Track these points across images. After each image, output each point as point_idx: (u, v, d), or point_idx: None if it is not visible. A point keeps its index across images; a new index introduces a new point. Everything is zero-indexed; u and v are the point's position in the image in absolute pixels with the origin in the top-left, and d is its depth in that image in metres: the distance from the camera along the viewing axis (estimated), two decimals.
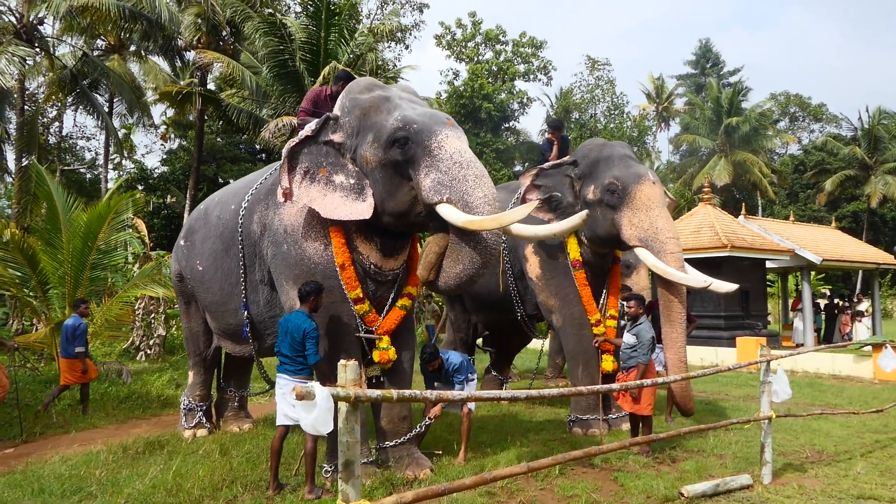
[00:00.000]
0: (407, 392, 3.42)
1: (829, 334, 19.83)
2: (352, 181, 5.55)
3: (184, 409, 7.63)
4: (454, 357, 6.44)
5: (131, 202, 10.77)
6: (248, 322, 6.44)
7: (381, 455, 5.94)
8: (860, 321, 18.52)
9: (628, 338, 6.75)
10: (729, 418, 8.58)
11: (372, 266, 5.81)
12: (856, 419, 8.37)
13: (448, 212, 5.05)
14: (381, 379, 6.07)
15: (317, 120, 5.78)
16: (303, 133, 5.71)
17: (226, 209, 6.78)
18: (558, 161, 7.99)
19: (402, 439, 5.93)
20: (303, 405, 3.08)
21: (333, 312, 5.72)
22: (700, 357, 14.50)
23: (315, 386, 3.08)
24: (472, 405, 6.71)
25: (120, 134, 34.02)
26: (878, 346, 12.16)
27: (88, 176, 33.94)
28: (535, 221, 7.86)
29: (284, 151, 5.63)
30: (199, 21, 18.24)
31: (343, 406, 3.26)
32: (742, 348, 14.04)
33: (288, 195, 5.58)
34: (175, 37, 19.39)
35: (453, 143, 5.25)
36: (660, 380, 5.75)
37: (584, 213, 5.72)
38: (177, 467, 5.81)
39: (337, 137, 5.66)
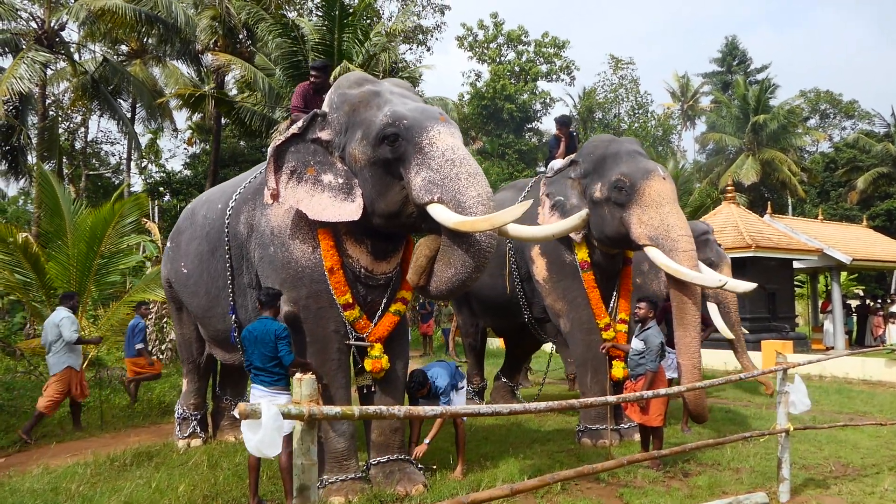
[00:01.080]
0: (371, 409, 3.13)
1: (860, 336, 19.14)
2: (340, 181, 5.28)
3: (178, 418, 7.42)
4: (440, 379, 6.01)
5: (136, 205, 10.59)
6: (236, 327, 6.18)
7: (374, 469, 5.64)
8: (893, 323, 17.82)
9: (636, 343, 6.39)
10: (750, 427, 8.21)
11: (362, 270, 5.53)
12: (886, 428, 7.89)
13: (439, 212, 4.75)
14: (373, 389, 5.78)
15: (305, 116, 5.53)
16: (289, 131, 5.46)
17: (213, 209, 6.53)
18: (559, 165, 7.66)
19: (393, 455, 5.63)
20: (247, 425, 2.80)
21: (322, 319, 5.45)
22: (724, 361, 13.96)
23: (262, 404, 2.80)
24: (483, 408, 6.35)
25: (147, 138, 34.52)
26: None
27: (115, 181, 34.25)
28: None
29: (270, 150, 5.39)
30: (216, 24, 18.12)
31: (298, 425, 2.99)
32: (767, 352, 13.49)
33: (275, 196, 5.33)
34: (193, 40, 19.32)
35: (445, 139, 4.94)
36: (668, 390, 5.37)
37: (584, 212, 5.37)
38: (158, 481, 5.58)
39: (325, 135, 5.39)
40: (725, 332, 9.97)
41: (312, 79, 6.37)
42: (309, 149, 5.39)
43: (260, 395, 5.02)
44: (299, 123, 5.45)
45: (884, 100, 74.09)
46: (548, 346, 10.97)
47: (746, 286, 7.30)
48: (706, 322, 8.99)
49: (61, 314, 7.97)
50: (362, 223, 5.31)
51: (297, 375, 3.08)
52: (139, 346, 9.12)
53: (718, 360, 13.60)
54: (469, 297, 9.50)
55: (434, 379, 5.95)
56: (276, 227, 5.57)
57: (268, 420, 2.76)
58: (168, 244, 7.27)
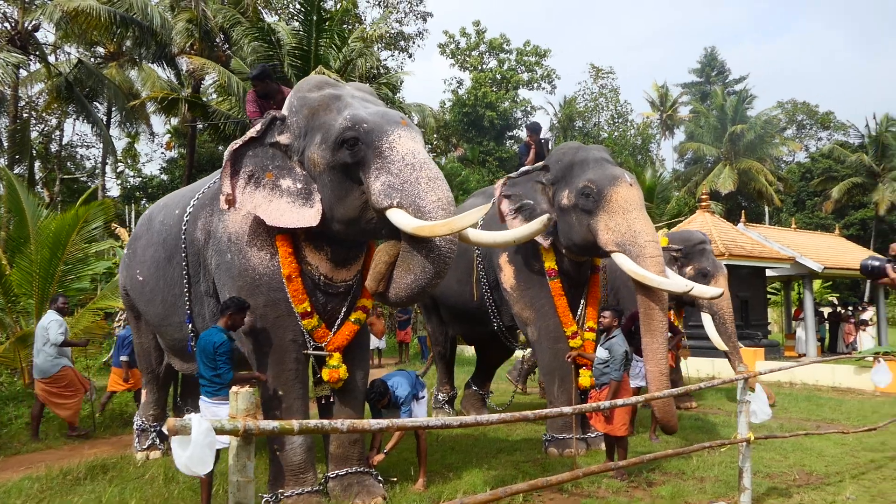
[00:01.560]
0: (312, 423, 3.04)
1: (833, 343, 19.31)
2: (299, 185, 5.17)
3: (136, 429, 7.25)
4: (401, 388, 5.91)
5: (102, 210, 10.39)
6: (192, 336, 6.04)
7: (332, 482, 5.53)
8: (864, 330, 17.98)
9: (600, 352, 6.34)
10: (718, 435, 8.19)
11: (322, 277, 5.43)
12: (851, 436, 7.90)
13: (398, 217, 4.66)
14: (332, 399, 5.68)
15: (262, 120, 5.43)
16: (247, 134, 5.36)
17: (170, 214, 6.38)
18: (527, 168, 7.59)
19: (352, 467, 5.53)
20: (176, 441, 2.70)
21: (279, 328, 5.33)
22: (696, 369, 14.01)
23: (193, 418, 2.70)
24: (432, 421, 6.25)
25: (123, 142, 34.16)
26: (884, 356, 11.65)
27: (91, 185, 33.82)
28: None
29: (227, 154, 5.25)
30: (192, 27, 17.95)
31: (233, 441, 2.88)
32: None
33: (231, 201, 5.22)
34: (169, 43, 19.13)
35: (406, 143, 4.86)
36: (628, 399, 5.33)
37: (546, 216, 5.28)
38: (109, 496, 5.43)
39: (284, 139, 5.28)
40: (719, 344, 9.92)
41: (253, 88, 6.26)
42: (267, 153, 5.28)
43: (204, 406, 4.91)
44: (257, 126, 5.34)
45: (858, 111, 75.17)
46: (519, 354, 10.91)
47: (714, 291, 7.30)
48: (674, 330, 8.99)
49: (49, 317, 8.21)
50: (322, 229, 5.22)
51: (234, 388, 2.97)
52: (123, 357, 8.88)
53: (691, 367, 13.60)
54: (438, 306, 9.43)
55: (394, 388, 5.86)
56: (234, 234, 5.45)
57: (198, 436, 2.65)
58: (125, 251, 7.10)
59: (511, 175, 7.62)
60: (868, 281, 28.49)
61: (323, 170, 5.06)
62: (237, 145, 5.27)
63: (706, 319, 10.04)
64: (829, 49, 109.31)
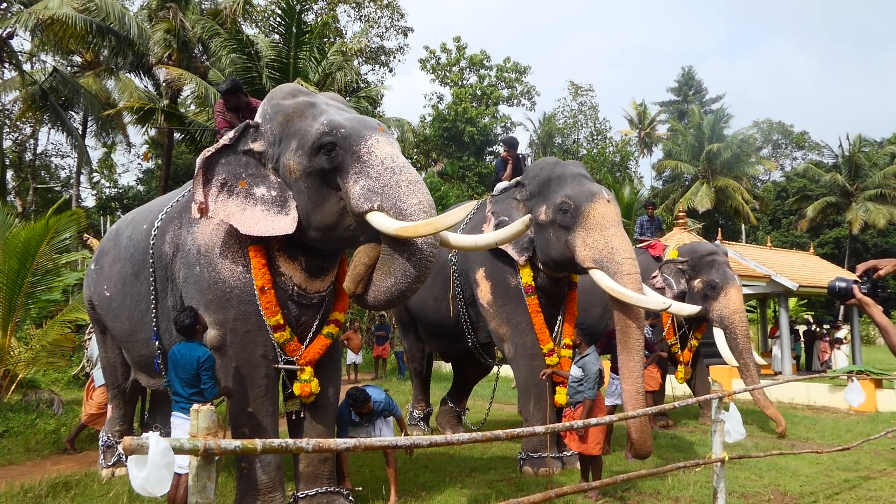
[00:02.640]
0: (276, 442, 2.94)
1: (808, 361, 19.41)
2: (274, 193, 5.07)
3: (102, 445, 7.05)
4: (378, 395, 5.87)
5: (73, 221, 10.19)
6: (159, 354, 5.89)
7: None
8: (839, 348, 18.12)
9: (574, 371, 6.29)
10: (695, 454, 8.17)
11: (295, 288, 5.31)
12: (826, 455, 7.91)
13: (379, 220, 4.58)
14: (302, 415, 5.56)
15: (235, 128, 5.34)
16: (220, 142, 5.26)
17: (137, 229, 6.23)
18: (505, 184, 7.58)
19: (322, 486, 5.41)
20: (133, 461, 2.59)
21: (249, 343, 5.20)
22: (672, 387, 13.99)
23: (151, 437, 2.60)
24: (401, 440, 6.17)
25: (99, 152, 33.74)
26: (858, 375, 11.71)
27: (65, 195, 33.36)
28: (502, 251, 7.47)
29: (199, 161, 5.13)
30: (169, 37, 17.81)
31: (193, 461, 2.78)
32: (713, 378, 13.54)
33: (203, 210, 5.10)
34: (146, 53, 18.96)
35: (384, 148, 4.79)
36: (602, 419, 5.27)
37: (527, 217, 5.24)
38: None
39: (257, 146, 5.19)
40: (731, 360, 9.73)
41: (224, 101, 6.17)
42: (241, 161, 5.19)
43: (178, 424, 4.78)
44: (230, 134, 5.25)
45: (832, 131, 76.58)
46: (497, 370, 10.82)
47: (690, 309, 7.27)
48: (650, 347, 8.97)
49: None
50: (297, 238, 5.12)
51: (195, 406, 2.88)
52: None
53: (666, 385, 13.57)
54: (415, 322, 9.35)
55: (372, 397, 5.81)
56: (204, 246, 5.33)
57: (155, 455, 2.55)
58: (91, 266, 6.92)
59: (494, 193, 7.59)
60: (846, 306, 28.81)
61: (299, 176, 4.97)
62: (209, 153, 5.16)
63: (718, 335, 9.92)
64: (801, 71, 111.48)
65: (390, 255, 4.64)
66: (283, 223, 4.98)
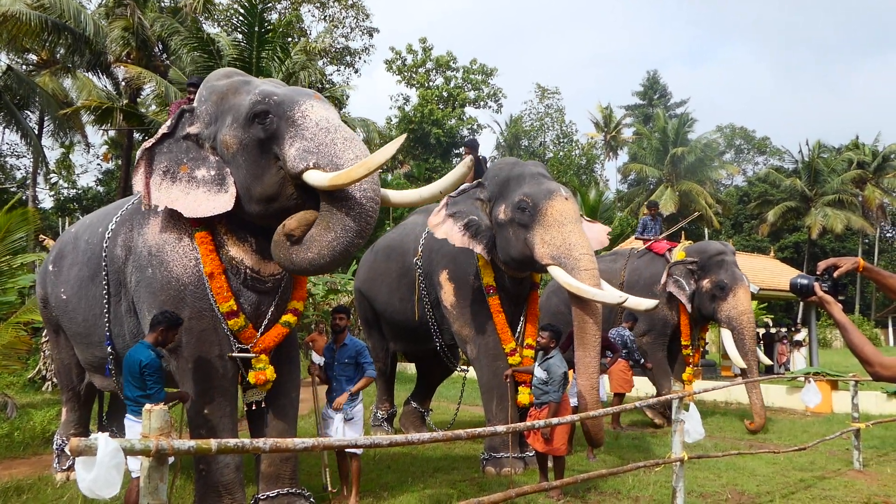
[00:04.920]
0: (231, 442, 2.89)
1: (770, 363, 19.77)
2: (213, 173, 5.03)
3: (56, 449, 6.88)
4: (359, 342, 5.93)
5: (24, 221, 9.90)
6: (112, 358, 5.77)
7: None
8: (798, 350, 18.50)
9: (539, 372, 6.30)
10: (655, 454, 8.25)
11: (248, 271, 5.19)
12: (782, 455, 8.05)
13: (315, 176, 4.56)
14: (262, 405, 5.45)
15: (173, 115, 5.30)
16: (159, 132, 5.22)
17: (94, 233, 6.10)
18: (465, 186, 7.53)
19: (283, 488, 5.34)
20: (81, 462, 2.52)
21: (205, 342, 5.10)
22: (635, 388, 14.14)
23: (100, 437, 2.54)
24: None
25: (58, 153, 32.98)
26: (814, 377, 11.97)
27: (22, 196, 32.53)
28: (466, 253, 7.50)
29: (140, 153, 5.09)
30: (127, 35, 17.45)
31: (145, 461, 2.72)
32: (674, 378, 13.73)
33: (148, 200, 5.03)
34: (104, 51, 18.57)
35: (319, 111, 4.80)
36: (568, 418, 5.29)
37: (468, 158, 5.22)
38: None
39: (195, 129, 5.15)
40: (738, 360, 9.87)
41: (189, 95, 6.10)
42: (181, 147, 5.15)
43: (130, 426, 4.67)
44: (168, 122, 5.21)
45: (793, 137, 78.22)
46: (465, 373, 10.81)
47: (648, 304, 7.29)
48: (613, 348, 9.04)
49: None
50: (244, 219, 5.08)
51: (147, 406, 2.81)
52: None
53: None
54: (379, 321, 9.31)
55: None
56: (154, 246, 5.23)
57: (104, 456, 2.49)
58: (49, 266, 6.73)
59: (452, 194, 7.54)
60: (801, 303, 29.45)
61: (236, 150, 4.92)
62: (150, 143, 5.13)
63: (725, 335, 10.05)
64: (752, 77, 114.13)
65: (329, 212, 4.60)
66: (223, 200, 4.94)
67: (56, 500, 5.88)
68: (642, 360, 9.98)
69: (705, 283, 10.21)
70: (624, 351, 9.59)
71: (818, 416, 11.99)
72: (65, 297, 6.31)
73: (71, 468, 6.74)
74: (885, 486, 7.03)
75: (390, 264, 8.77)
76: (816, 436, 9.08)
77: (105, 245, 5.73)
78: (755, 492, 6.60)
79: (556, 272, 6.64)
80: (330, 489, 5.94)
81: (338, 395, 5.88)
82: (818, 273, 2.94)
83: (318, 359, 16.70)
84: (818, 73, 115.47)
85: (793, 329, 21.37)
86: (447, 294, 7.71)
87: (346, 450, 5.79)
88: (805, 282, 2.94)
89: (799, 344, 18.77)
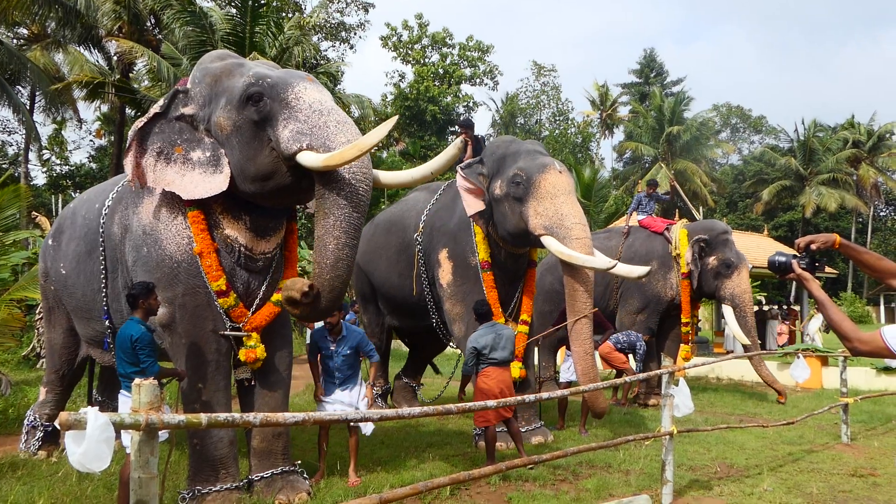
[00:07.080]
0: (221, 416, 2.91)
1: (760, 340, 19.78)
2: (208, 154, 5.07)
3: (26, 426, 6.77)
4: (357, 329, 5.98)
5: (16, 197, 9.85)
6: (110, 333, 5.78)
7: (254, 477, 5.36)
8: (820, 331, 18.25)
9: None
10: (647, 428, 8.33)
11: (242, 248, 5.24)
12: (771, 429, 8.15)
13: (308, 157, 4.65)
14: (252, 382, 5.49)
15: (165, 95, 5.30)
16: (151, 111, 5.20)
17: (91, 209, 6.12)
18: (469, 161, 7.58)
19: (278, 467, 5.35)
20: (71, 436, 2.54)
21: (199, 318, 5.13)
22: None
23: (90, 411, 2.55)
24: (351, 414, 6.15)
25: (50, 129, 32.69)
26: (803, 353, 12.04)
27: (14, 173, 32.31)
28: (466, 231, 7.55)
29: (131, 133, 5.09)
30: (119, 9, 17.26)
31: (135, 435, 2.74)
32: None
33: (141, 180, 5.04)
34: (96, 25, 18.37)
35: (312, 94, 4.89)
36: (558, 392, 5.33)
37: (459, 140, 5.30)
38: (16, 496, 5.13)
39: (189, 110, 5.17)
40: (741, 336, 10.06)
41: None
42: (174, 127, 5.15)
43: (124, 401, 4.69)
44: (161, 102, 5.20)
45: (789, 116, 78.25)
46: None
47: (640, 270, 7.34)
48: (606, 326, 9.10)
49: None
50: (239, 198, 5.12)
51: (137, 381, 2.82)
52: None
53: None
54: (376, 296, 9.33)
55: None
56: (148, 226, 5.25)
57: (93, 430, 2.50)
58: (49, 241, 6.72)
59: (460, 166, 7.55)
60: (794, 281, 29.53)
61: (230, 132, 4.98)
62: (142, 123, 5.12)
63: (727, 312, 10.20)
64: (743, 56, 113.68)
65: (323, 197, 4.71)
66: (218, 181, 4.99)
67: (51, 475, 5.90)
68: (642, 366, 9.99)
69: (711, 260, 10.32)
70: (629, 353, 9.60)
71: (808, 391, 12.12)
72: (64, 271, 6.33)
73: (41, 448, 6.67)
74: (872, 458, 7.14)
75: (390, 238, 8.80)
76: (805, 410, 9.19)
77: (102, 221, 5.76)
78: (744, 465, 6.69)
79: (548, 241, 6.77)
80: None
81: (340, 384, 6.03)
82: (797, 250, 2.95)
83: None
84: (809, 52, 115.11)
85: (790, 308, 21.24)
86: (444, 272, 7.74)
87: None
88: (783, 259, 2.95)
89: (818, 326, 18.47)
